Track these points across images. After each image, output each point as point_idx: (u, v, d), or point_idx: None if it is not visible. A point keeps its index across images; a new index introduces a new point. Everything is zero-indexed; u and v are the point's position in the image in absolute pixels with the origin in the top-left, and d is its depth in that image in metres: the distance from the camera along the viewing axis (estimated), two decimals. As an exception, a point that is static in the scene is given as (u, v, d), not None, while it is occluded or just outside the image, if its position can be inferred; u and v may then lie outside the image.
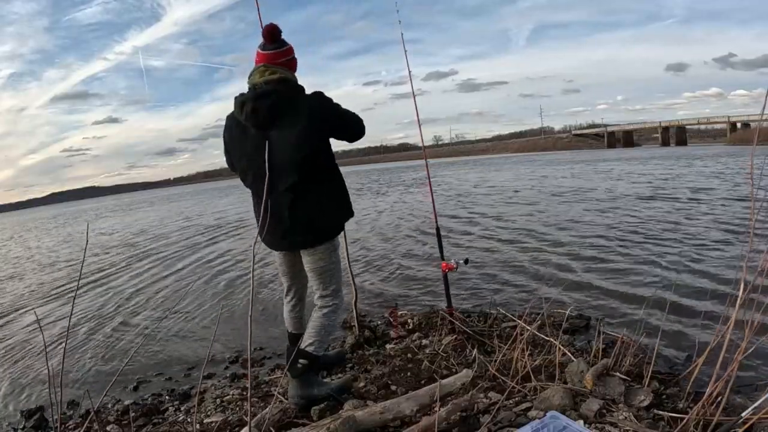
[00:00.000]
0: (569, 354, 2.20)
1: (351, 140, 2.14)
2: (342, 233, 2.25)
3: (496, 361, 2.25)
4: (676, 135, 56.15)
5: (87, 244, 1.34)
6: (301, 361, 2.06)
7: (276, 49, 1.98)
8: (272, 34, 1.98)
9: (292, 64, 2.04)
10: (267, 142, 1.88)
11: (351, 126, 2.08)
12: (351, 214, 2.16)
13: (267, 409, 2.08)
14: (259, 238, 1.90)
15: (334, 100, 2.02)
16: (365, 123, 2.13)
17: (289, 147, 1.88)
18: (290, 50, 2.04)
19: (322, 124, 1.95)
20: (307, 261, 2.09)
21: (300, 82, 2.06)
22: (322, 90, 2.01)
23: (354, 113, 2.09)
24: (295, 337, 2.30)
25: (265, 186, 1.82)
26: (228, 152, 2.10)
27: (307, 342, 2.09)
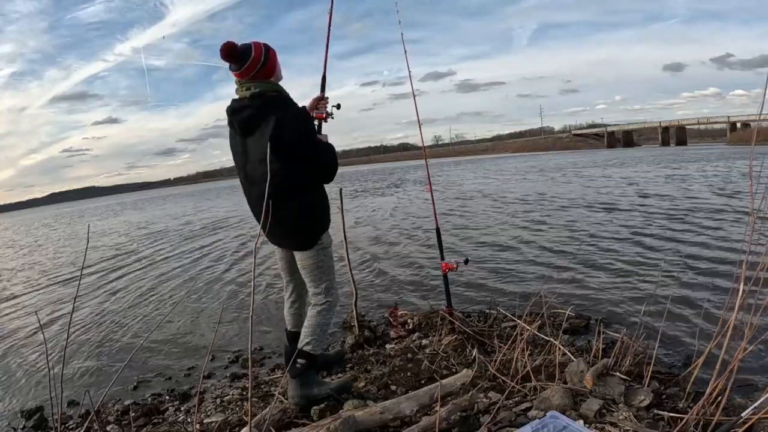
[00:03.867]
0: (569, 354, 2.20)
1: (317, 176, 2.04)
2: (343, 234, 2.24)
3: (496, 361, 2.25)
4: (676, 135, 56.17)
5: (87, 244, 1.34)
6: (299, 361, 2.07)
7: (239, 68, 1.91)
8: (229, 55, 1.89)
9: (266, 71, 1.95)
10: (245, 148, 2.01)
11: (317, 161, 2.00)
12: (326, 227, 2.14)
13: (267, 409, 2.08)
14: (260, 237, 1.92)
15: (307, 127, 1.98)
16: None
17: (259, 159, 1.95)
18: (255, 60, 1.90)
19: (287, 140, 1.88)
20: (298, 259, 2.14)
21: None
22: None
23: (328, 154, 2.04)
24: (293, 335, 2.30)
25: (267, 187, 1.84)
26: None
27: (304, 342, 2.10)
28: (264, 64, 1.94)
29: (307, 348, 2.09)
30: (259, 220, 1.97)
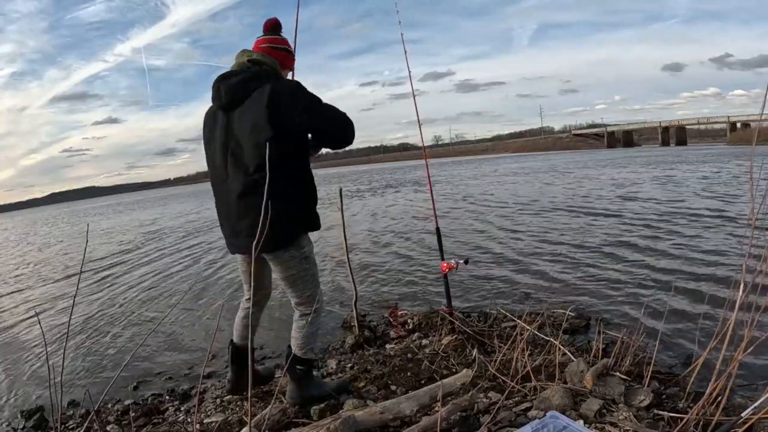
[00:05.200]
0: (569, 354, 2.20)
1: (332, 145, 1.92)
2: (343, 234, 2.20)
3: (496, 361, 2.25)
4: (676, 135, 56.23)
5: (87, 244, 1.33)
6: (299, 367, 2.05)
7: (268, 35, 1.97)
8: (266, 25, 1.99)
9: (277, 53, 1.94)
10: (228, 123, 1.84)
11: (330, 127, 1.87)
12: (314, 225, 1.94)
13: (267, 409, 2.08)
14: (259, 233, 1.84)
15: (325, 101, 1.84)
16: (358, 125, 1.92)
17: (247, 130, 1.78)
18: (278, 40, 1.97)
19: (284, 112, 1.75)
20: (275, 270, 1.96)
21: (302, 81, 2.02)
22: (324, 87, 1.97)
23: (340, 114, 1.88)
24: (238, 350, 2.20)
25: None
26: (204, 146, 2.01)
27: (301, 351, 2.05)
28: (280, 49, 1.96)
29: (306, 356, 2.06)
30: (230, 214, 1.86)
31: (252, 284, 2.06)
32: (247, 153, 1.79)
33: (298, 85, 1.84)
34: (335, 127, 1.89)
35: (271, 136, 1.71)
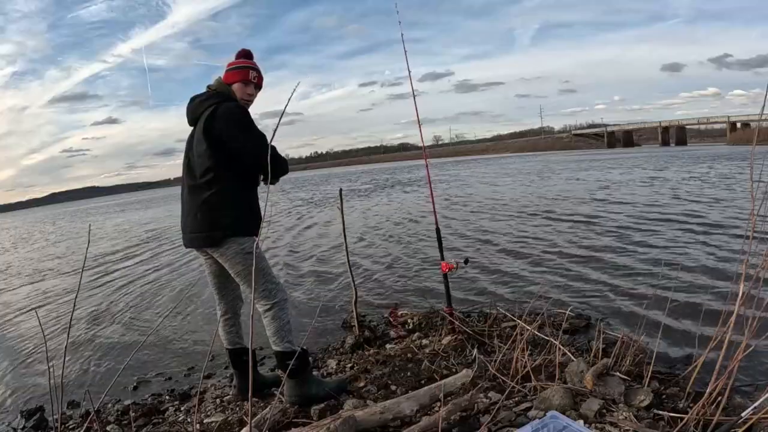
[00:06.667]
0: (569, 354, 2.20)
1: (245, 164, 2.08)
2: (343, 234, 2.21)
3: (496, 361, 2.25)
4: (676, 135, 56.21)
5: (88, 245, 1.33)
6: (288, 362, 2.06)
7: (244, 57, 2.24)
8: (248, 53, 2.27)
9: (228, 75, 2.20)
10: (191, 136, 2.16)
11: (245, 150, 2.03)
12: (243, 231, 2.05)
13: (267, 409, 2.08)
14: (259, 235, 1.99)
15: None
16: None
17: (196, 142, 2.08)
18: (229, 64, 2.23)
19: (216, 129, 2.02)
20: (226, 266, 2.11)
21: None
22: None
23: (257, 143, 2.04)
24: (235, 353, 2.32)
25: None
26: None
27: (278, 346, 2.11)
28: (229, 70, 2.19)
29: (287, 349, 2.09)
30: (183, 212, 2.14)
31: (217, 284, 2.27)
32: (195, 161, 2.08)
33: (233, 110, 2.06)
34: (251, 150, 2.04)
35: (204, 148, 2.02)
